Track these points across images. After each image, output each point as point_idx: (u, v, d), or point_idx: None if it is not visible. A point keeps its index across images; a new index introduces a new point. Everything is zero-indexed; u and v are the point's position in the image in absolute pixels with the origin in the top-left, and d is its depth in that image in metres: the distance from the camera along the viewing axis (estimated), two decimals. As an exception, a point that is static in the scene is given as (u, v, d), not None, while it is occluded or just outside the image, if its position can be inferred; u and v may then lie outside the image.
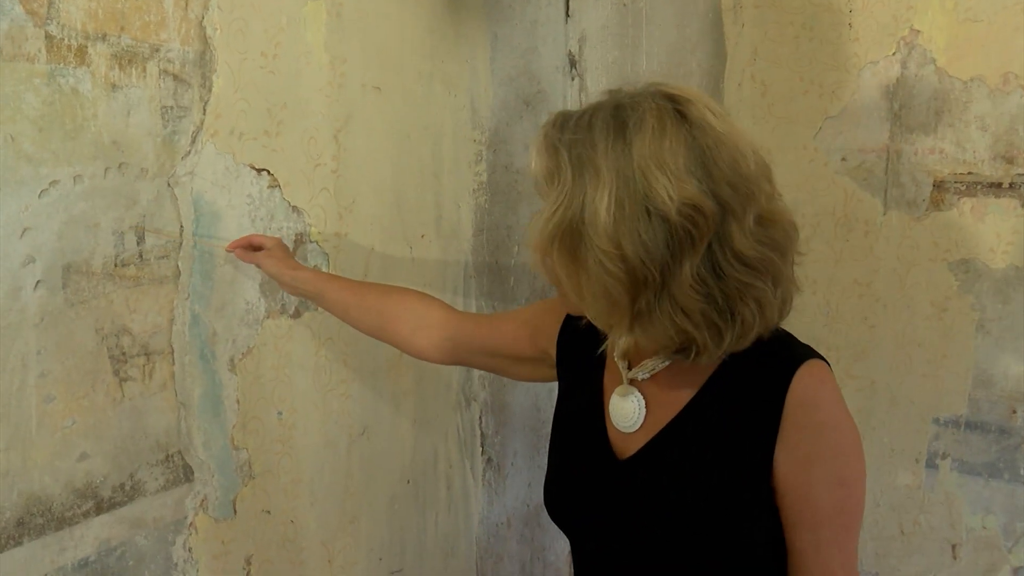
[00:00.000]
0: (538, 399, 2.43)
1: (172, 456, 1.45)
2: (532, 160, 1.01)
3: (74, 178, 1.28)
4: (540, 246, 0.99)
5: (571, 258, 0.96)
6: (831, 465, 0.99)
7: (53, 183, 1.25)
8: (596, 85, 2.50)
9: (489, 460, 2.30)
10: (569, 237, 0.95)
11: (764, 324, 0.99)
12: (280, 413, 1.63)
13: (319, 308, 1.67)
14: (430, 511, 2.07)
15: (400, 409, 1.93)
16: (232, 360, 1.53)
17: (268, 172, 1.56)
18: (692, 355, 0.98)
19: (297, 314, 1.64)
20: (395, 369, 1.89)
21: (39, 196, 1.24)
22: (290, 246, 1.61)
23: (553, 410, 2.36)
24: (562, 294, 1.04)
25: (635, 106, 0.94)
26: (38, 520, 1.28)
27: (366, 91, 1.76)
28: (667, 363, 1.05)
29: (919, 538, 1.75)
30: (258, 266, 1.48)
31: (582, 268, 0.95)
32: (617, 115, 0.94)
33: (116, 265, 1.34)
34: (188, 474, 1.48)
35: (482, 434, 2.27)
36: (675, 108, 0.95)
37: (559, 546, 2.65)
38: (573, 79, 2.52)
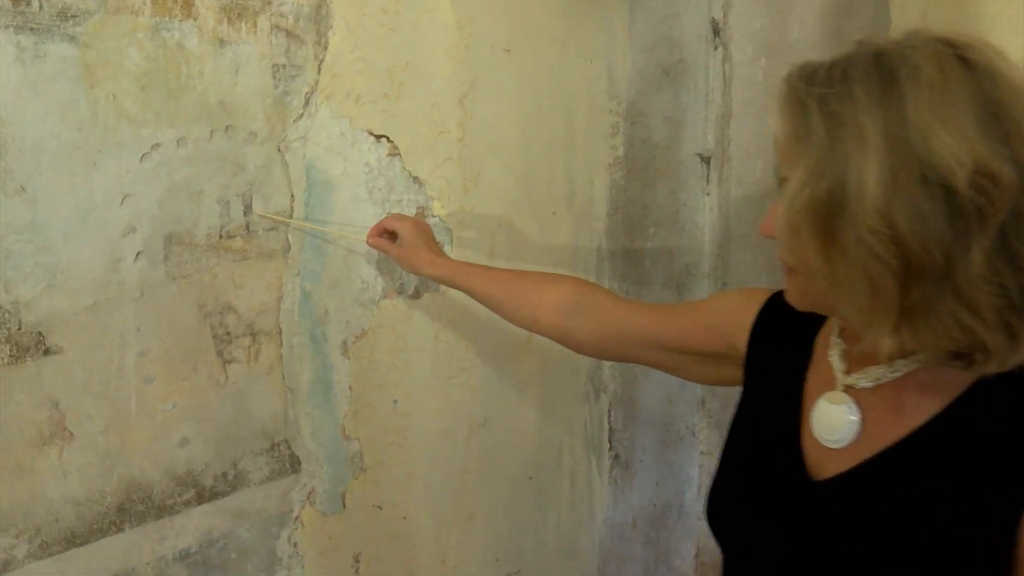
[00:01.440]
0: (670, 392, 2.21)
1: (278, 445, 1.32)
2: (772, 119, 0.82)
3: (177, 141, 1.15)
4: (788, 223, 0.79)
5: (826, 239, 0.77)
6: None
7: (155, 146, 1.13)
8: (741, 55, 2.24)
9: (616, 456, 2.11)
10: (824, 213, 0.76)
11: None
12: (396, 401, 1.48)
13: (440, 289, 1.51)
14: (551, 509, 1.90)
15: (524, 400, 1.76)
16: (345, 343, 1.39)
17: (387, 139, 1.40)
18: (975, 363, 0.77)
19: (416, 294, 1.49)
20: (520, 357, 1.72)
21: (140, 160, 1.12)
22: (409, 221, 1.46)
23: (684, 403, 2.11)
24: (795, 282, 0.86)
25: (903, 52, 0.75)
26: (139, 507, 1.17)
27: (495, 54, 1.58)
28: (897, 374, 0.84)
29: None
30: (395, 261, 1.35)
31: (839, 251, 0.76)
32: (880, 63, 0.75)
33: (221, 236, 1.22)
34: (295, 465, 1.35)
35: (610, 428, 2.07)
36: (955, 54, 0.74)
37: (685, 549, 2.43)
38: (716, 48, 2.27)
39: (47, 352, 1.06)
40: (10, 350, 1.03)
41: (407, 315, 1.48)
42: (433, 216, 1.49)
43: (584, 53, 1.81)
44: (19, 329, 1.04)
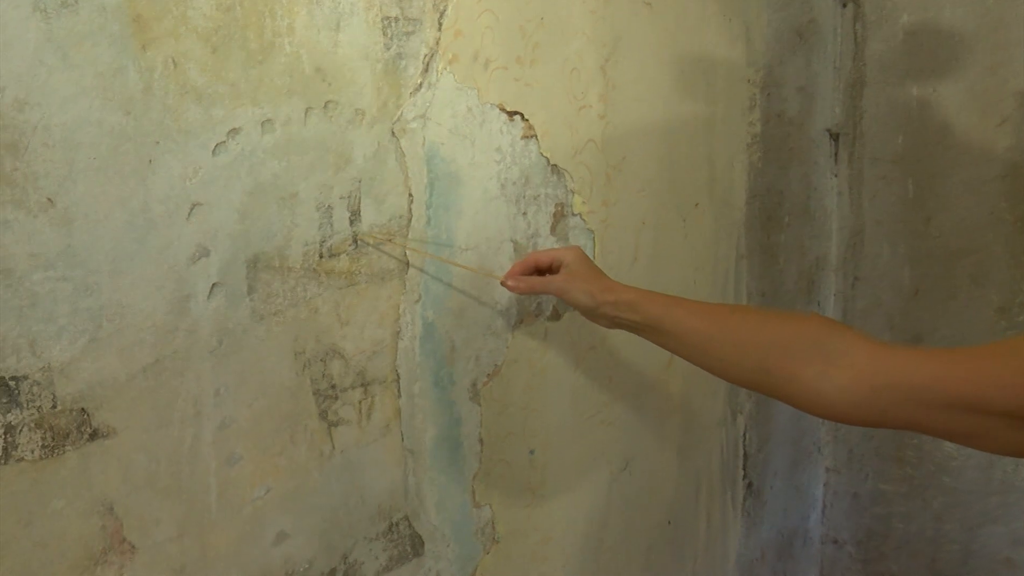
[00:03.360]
0: (800, 404, 1.86)
1: (397, 524, 0.97)
2: None
3: (262, 124, 0.79)
4: None
5: None
6: None
7: (232, 132, 0.77)
8: (876, 12, 1.86)
9: (750, 485, 1.75)
10: None
11: None
12: (532, 452, 1.13)
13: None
14: (688, 555, 1.54)
15: (665, 433, 1.40)
16: (474, 385, 1.03)
17: (521, 116, 1.04)
18: None
19: (556, 315, 1.13)
20: (661, 383, 1.36)
21: (213, 153, 0.76)
22: (547, 220, 1.10)
23: (811, 416, 1.71)
24: None
25: None
26: (221, 627, 0.82)
27: (635, 6, 1.21)
28: None
29: None
30: (558, 296, 0.96)
31: None
32: None
33: (321, 256, 0.86)
34: (416, 547, 1.00)
35: (745, 453, 1.71)
36: None
37: (808, 579, 2.09)
38: (844, 5, 1.89)
39: (94, 436, 0.71)
40: (42, 438, 0.68)
41: (545, 343, 1.12)
42: (573, 215, 1.13)
43: (724, 9, 1.43)
44: (54, 407, 0.68)
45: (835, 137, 1.92)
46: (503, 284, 0.96)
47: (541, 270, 0.96)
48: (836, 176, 1.93)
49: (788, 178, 1.73)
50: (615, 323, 0.93)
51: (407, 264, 0.93)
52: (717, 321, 0.86)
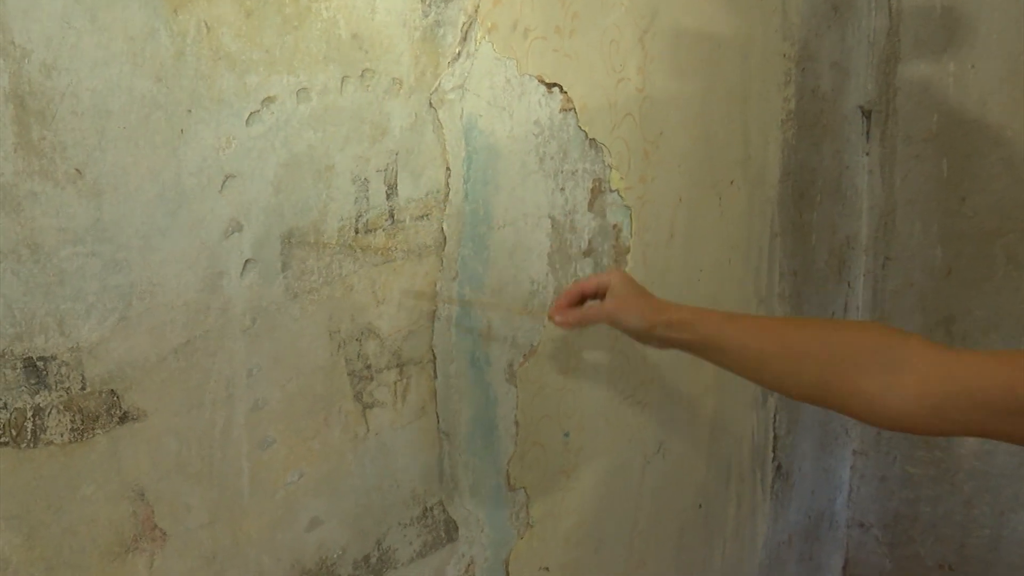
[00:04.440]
0: (828, 387, 1.81)
1: (431, 509, 0.94)
2: None
3: (297, 93, 0.75)
4: None
5: None
6: None
7: (267, 101, 0.73)
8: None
9: (779, 467, 1.71)
10: None
11: None
12: (567, 435, 1.09)
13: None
14: (717, 538, 1.51)
15: (697, 415, 1.36)
16: (511, 366, 0.99)
17: (560, 88, 0.99)
18: None
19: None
20: (695, 362, 1.31)
21: (247, 123, 0.72)
22: (585, 196, 1.05)
23: None
24: None
25: None
26: (254, 614, 0.79)
27: (674, -25, 1.15)
28: None
29: None
30: (609, 324, 0.91)
31: None
32: None
33: (357, 231, 0.82)
34: (451, 532, 0.96)
35: (775, 436, 1.67)
36: None
37: (835, 562, 2.06)
38: (879, -22, 1.83)
39: (124, 419, 0.68)
40: (71, 421, 0.64)
41: (581, 323, 1.08)
42: (611, 191, 1.08)
43: (761, -21, 1.37)
44: (83, 389, 0.65)
45: (867, 114, 1.86)
46: (551, 319, 0.92)
47: (587, 298, 0.92)
48: (868, 154, 1.87)
49: (820, 156, 1.67)
50: (667, 343, 0.89)
51: (444, 239, 0.89)
52: (773, 336, 0.82)
